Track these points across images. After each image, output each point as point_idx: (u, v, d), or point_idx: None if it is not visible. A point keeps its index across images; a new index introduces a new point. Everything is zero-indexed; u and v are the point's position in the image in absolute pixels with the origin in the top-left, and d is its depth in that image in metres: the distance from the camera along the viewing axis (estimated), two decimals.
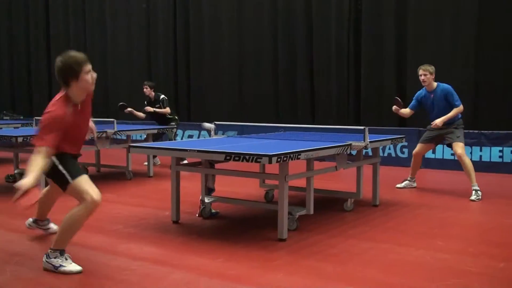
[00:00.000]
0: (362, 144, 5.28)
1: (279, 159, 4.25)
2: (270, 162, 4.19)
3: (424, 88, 7.04)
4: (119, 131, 7.83)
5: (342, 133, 6.57)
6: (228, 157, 4.42)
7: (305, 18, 11.23)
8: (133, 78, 13.91)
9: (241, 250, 4.38)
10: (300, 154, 4.52)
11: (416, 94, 7.18)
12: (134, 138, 10.26)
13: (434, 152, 9.19)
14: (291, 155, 4.41)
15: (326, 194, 6.29)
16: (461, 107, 6.80)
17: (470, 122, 9.25)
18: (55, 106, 3.84)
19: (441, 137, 7.09)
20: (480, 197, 6.60)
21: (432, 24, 9.79)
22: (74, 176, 3.99)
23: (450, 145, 7.02)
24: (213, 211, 5.61)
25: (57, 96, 3.93)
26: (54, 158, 3.92)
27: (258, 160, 4.25)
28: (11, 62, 16.87)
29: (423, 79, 6.88)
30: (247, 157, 4.30)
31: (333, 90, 10.88)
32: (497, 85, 9.25)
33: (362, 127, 5.37)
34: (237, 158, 4.36)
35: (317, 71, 11.12)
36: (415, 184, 7.49)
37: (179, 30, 13.17)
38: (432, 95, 6.92)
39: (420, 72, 6.89)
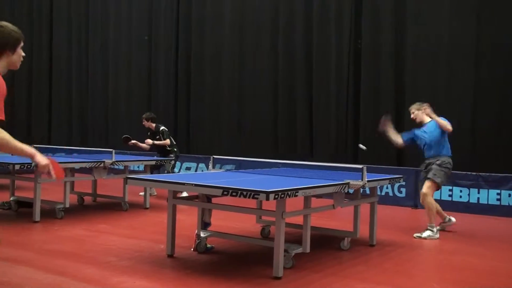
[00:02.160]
0: (360, 183, 5.27)
1: (276, 196, 4.24)
2: (267, 198, 4.17)
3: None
4: (117, 161, 7.82)
5: (340, 171, 6.57)
6: (225, 192, 4.40)
7: (305, 55, 11.37)
8: (132, 109, 13.98)
9: (235, 287, 4.32)
10: (297, 192, 4.51)
11: (410, 131, 7.30)
12: (132, 168, 10.22)
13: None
14: (289, 192, 4.40)
15: (323, 232, 6.25)
16: (449, 124, 6.87)
17: (468, 164, 9.29)
18: None
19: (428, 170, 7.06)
20: (434, 236, 6.66)
21: (430, 63, 9.90)
22: None
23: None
24: (208, 245, 5.55)
25: None
26: None
27: (256, 196, 4.23)
28: (11, 88, 16.94)
29: (412, 118, 7.19)
30: (244, 192, 4.29)
31: (332, 126, 10.94)
32: (495, 127, 9.30)
33: (360, 166, 5.37)
34: (234, 194, 4.34)
35: (316, 108, 11.19)
36: (437, 235, 6.86)
37: (181, 62, 13.30)
38: (425, 129, 7.07)
39: (411, 111, 7.24)
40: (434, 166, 6.93)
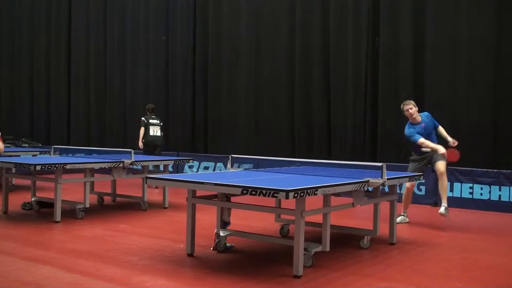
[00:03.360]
0: (379, 181, 5.23)
1: (296, 195, 4.22)
2: (287, 197, 4.15)
3: (408, 123, 7.44)
4: (136, 161, 7.86)
5: (359, 169, 6.53)
6: (244, 191, 4.39)
7: (323, 53, 11.31)
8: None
9: (255, 286, 4.31)
10: (317, 190, 4.48)
11: (411, 130, 7.39)
12: (151, 168, 10.27)
13: (451, 190, 9.09)
14: (308, 191, 4.37)
15: (342, 230, 6.21)
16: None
17: (489, 160, 9.18)
18: None
19: (429, 161, 7.43)
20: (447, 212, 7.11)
21: (450, 61, 9.78)
22: None
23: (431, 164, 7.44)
24: (227, 245, 5.56)
25: None
26: None
27: (275, 195, 4.22)
28: (31, 89, 17.15)
29: (411, 113, 7.34)
30: (264, 191, 4.27)
31: (350, 124, 10.87)
32: None
33: (380, 164, 5.33)
34: (253, 192, 4.33)
35: (334, 105, 11.13)
36: (407, 219, 7.55)
37: (198, 62, 13.33)
38: (423, 125, 7.39)
39: (406, 107, 7.38)
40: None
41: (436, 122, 7.59)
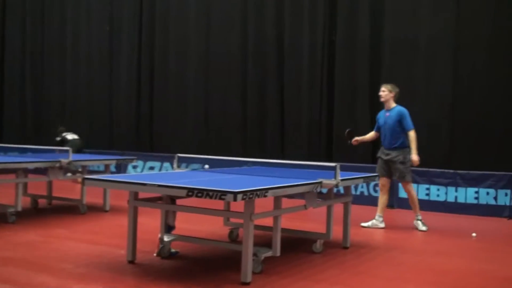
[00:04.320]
0: (333, 182, 5.29)
1: (244, 197, 4.21)
2: (235, 199, 4.13)
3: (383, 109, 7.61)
4: (74, 161, 7.68)
5: (313, 170, 6.59)
6: (190, 193, 4.35)
7: (276, 48, 11.36)
8: (93, 105, 13.80)
9: None
10: (267, 192, 4.49)
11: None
12: (91, 168, 10.06)
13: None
14: (258, 192, 4.38)
15: (294, 234, 6.25)
16: (413, 131, 7.31)
17: (446, 161, 9.44)
18: None
19: (389, 167, 7.47)
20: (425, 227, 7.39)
21: (408, 58, 10.01)
22: None
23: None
24: (172, 250, 5.50)
25: None
26: None
27: (222, 197, 4.20)
28: None
29: (380, 94, 7.53)
30: (210, 193, 4.25)
31: (304, 123, 10.96)
32: (474, 124, 9.45)
33: (333, 164, 5.38)
34: (199, 194, 4.30)
35: (288, 103, 11.21)
36: (382, 225, 7.58)
37: (143, 53, 13.17)
38: (387, 114, 7.45)
39: (381, 89, 7.55)
40: (399, 166, 7.32)
41: (407, 125, 7.32)
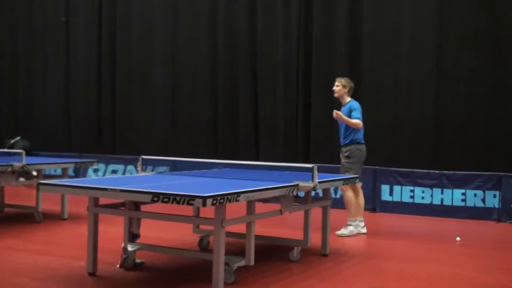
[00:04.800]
0: (310, 184, 5.31)
1: (214, 201, 4.20)
2: (204, 204, 4.12)
3: None
4: (27, 164, 7.58)
5: (289, 172, 6.61)
6: (155, 198, 4.33)
7: (249, 40, 11.38)
8: (48, 104, 13.64)
9: None
10: (239, 196, 4.49)
11: None
12: (48, 173, 9.95)
13: (391, 194, 9.40)
14: (229, 197, 4.37)
15: (269, 241, 6.27)
16: (358, 121, 7.30)
17: (431, 161, 9.55)
18: None
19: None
20: (352, 233, 7.31)
21: (390, 51, 10.09)
22: None
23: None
24: (137, 261, 5.47)
25: None
26: None
27: (191, 202, 4.18)
28: None
29: (333, 89, 7.63)
30: (177, 198, 4.23)
31: (280, 121, 10.99)
32: (459, 124, 9.57)
33: (310, 165, 5.41)
34: (166, 200, 4.28)
35: (262, 100, 11.24)
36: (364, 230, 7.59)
37: (104, 49, 13.06)
38: (342, 109, 7.53)
39: (335, 83, 7.65)
40: (343, 162, 7.49)
41: (355, 115, 7.33)
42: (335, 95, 7.64)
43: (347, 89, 7.58)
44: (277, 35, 11.03)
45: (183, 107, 12.12)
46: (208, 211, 4.70)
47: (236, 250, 5.56)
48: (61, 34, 13.59)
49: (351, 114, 7.34)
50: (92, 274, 5.13)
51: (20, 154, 7.71)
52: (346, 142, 7.47)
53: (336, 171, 8.31)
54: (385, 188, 9.53)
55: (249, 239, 4.97)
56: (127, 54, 12.76)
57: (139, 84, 12.62)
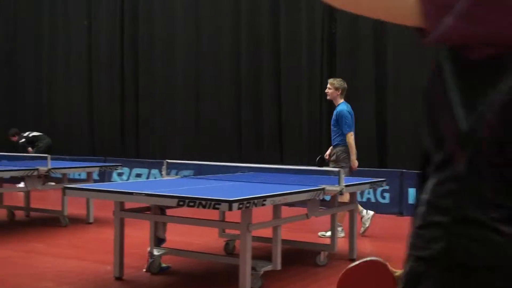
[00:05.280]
0: (336, 188, 5.29)
1: (240, 206, 4.21)
2: (230, 209, 4.14)
3: None
4: (53, 168, 7.67)
5: (314, 175, 6.59)
6: (181, 202, 4.35)
7: (272, 42, 11.33)
8: (72, 106, 13.76)
9: None
10: (265, 200, 4.49)
11: None
12: (72, 177, 10.04)
13: None
14: (255, 201, 4.37)
15: (295, 246, 6.25)
16: (350, 139, 7.20)
17: None
18: None
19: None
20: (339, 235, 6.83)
21: (416, 51, 9.97)
22: None
23: None
24: (163, 265, 5.48)
25: None
26: None
27: (216, 206, 4.20)
28: None
29: (326, 91, 7.58)
30: (203, 202, 4.25)
31: (304, 124, 10.95)
32: None
33: (336, 169, 5.39)
34: (191, 204, 4.30)
35: (286, 103, 11.20)
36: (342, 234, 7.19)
37: (127, 52, 13.14)
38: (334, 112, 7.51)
39: (327, 85, 7.59)
40: (330, 165, 7.25)
41: (343, 128, 7.26)
42: (328, 97, 7.62)
43: (340, 91, 7.49)
44: (301, 36, 10.99)
45: (207, 110, 12.12)
46: (233, 215, 4.70)
47: (262, 255, 5.55)
48: (84, 37, 13.69)
49: (338, 120, 7.32)
50: (118, 278, 5.16)
51: (45, 158, 7.81)
52: (334, 143, 7.39)
53: (362, 174, 8.26)
54: (412, 191, 9.43)
55: (275, 244, 4.96)
56: (150, 59, 12.82)
57: (162, 88, 12.67)
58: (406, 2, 1.22)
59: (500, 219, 1.16)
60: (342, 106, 7.40)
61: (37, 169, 7.49)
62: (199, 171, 10.34)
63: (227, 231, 6.39)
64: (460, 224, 1.19)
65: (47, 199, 9.52)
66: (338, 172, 5.31)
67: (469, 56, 1.24)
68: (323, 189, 5.23)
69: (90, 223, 8.23)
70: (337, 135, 7.36)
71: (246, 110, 11.66)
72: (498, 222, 1.16)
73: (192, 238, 6.97)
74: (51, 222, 8.26)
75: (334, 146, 7.41)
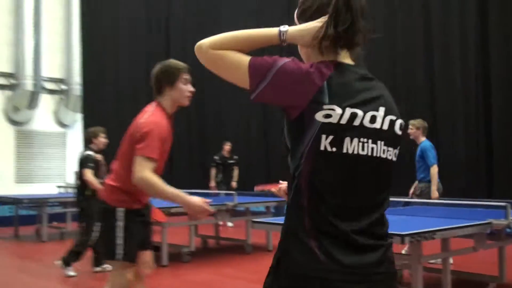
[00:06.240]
0: (503, 222, 5.00)
1: (412, 239, 4.14)
2: (402, 242, 4.08)
3: None
4: (239, 203, 8.05)
5: (476, 208, 6.26)
6: None
7: (425, 57, 10.76)
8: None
9: None
10: (435, 234, 4.37)
11: None
12: (254, 210, 10.42)
13: None
14: (426, 235, 4.27)
15: (462, 276, 5.96)
16: (433, 168, 7.07)
17: None
18: (155, 116, 3.40)
19: None
20: None
21: None
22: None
23: None
24: None
25: (149, 107, 3.50)
26: (117, 211, 3.42)
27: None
28: None
29: (408, 132, 7.38)
30: None
31: (460, 152, 10.20)
32: None
33: (503, 203, 5.09)
34: None
35: (442, 137, 10.44)
36: None
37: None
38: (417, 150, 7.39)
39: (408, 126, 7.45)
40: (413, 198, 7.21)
41: (428, 160, 7.14)
42: (410, 137, 7.43)
43: (421, 130, 7.34)
44: (454, 70, 10.30)
45: None
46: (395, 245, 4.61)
47: (429, 284, 5.37)
48: None
49: (422, 156, 7.18)
50: None
51: (232, 194, 8.23)
52: (418, 179, 7.23)
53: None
54: None
55: (445, 274, 4.80)
56: None
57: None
58: (243, 76, 1.65)
59: None
60: (426, 142, 7.32)
61: (225, 204, 7.92)
62: None
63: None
64: None
65: (232, 229, 9.95)
66: (505, 206, 5.02)
67: (290, 116, 1.66)
68: (489, 223, 4.97)
69: (270, 251, 8.47)
70: (421, 170, 7.23)
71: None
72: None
73: None
74: (237, 249, 8.63)
75: (419, 182, 7.30)
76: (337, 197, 1.63)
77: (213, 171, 11.53)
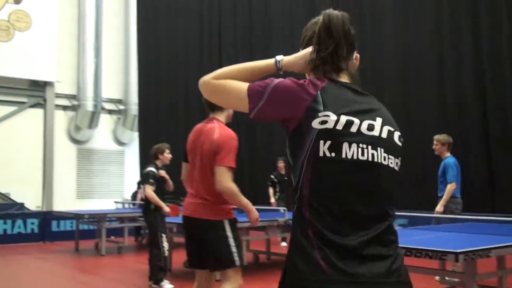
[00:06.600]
0: None
1: (466, 257, 3.94)
2: (456, 260, 3.89)
3: None
4: (289, 219, 7.94)
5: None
6: (408, 253, 4.19)
7: (478, 98, 10.11)
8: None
9: None
10: (490, 252, 4.15)
11: None
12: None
13: None
14: (480, 253, 4.06)
15: None
16: (451, 187, 6.85)
17: None
18: (226, 129, 3.68)
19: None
20: None
21: None
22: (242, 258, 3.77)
23: None
24: None
25: (210, 124, 3.73)
26: (224, 224, 3.70)
27: (443, 257, 3.98)
28: None
29: (433, 148, 7.24)
30: (429, 253, 4.05)
31: None
32: None
33: None
34: (418, 254, 4.13)
35: (494, 151, 9.66)
36: None
37: None
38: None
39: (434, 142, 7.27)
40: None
41: (448, 177, 6.92)
42: (436, 153, 7.25)
43: (446, 146, 7.14)
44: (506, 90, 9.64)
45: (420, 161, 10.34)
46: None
47: None
48: None
49: (444, 172, 7.01)
50: None
51: (283, 210, 8.13)
52: (440, 195, 6.97)
53: None
54: None
55: None
56: None
57: None
58: (243, 99, 1.74)
59: None
60: (450, 158, 7.09)
61: (276, 220, 7.82)
62: (415, 222, 9.70)
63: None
64: None
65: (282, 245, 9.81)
66: None
67: (288, 129, 1.71)
68: None
69: None
70: (443, 186, 7.01)
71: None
72: None
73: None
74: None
75: (441, 197, 7.02)
76: (340, 205, 1.62)
77: (271, 190, 11.28)
